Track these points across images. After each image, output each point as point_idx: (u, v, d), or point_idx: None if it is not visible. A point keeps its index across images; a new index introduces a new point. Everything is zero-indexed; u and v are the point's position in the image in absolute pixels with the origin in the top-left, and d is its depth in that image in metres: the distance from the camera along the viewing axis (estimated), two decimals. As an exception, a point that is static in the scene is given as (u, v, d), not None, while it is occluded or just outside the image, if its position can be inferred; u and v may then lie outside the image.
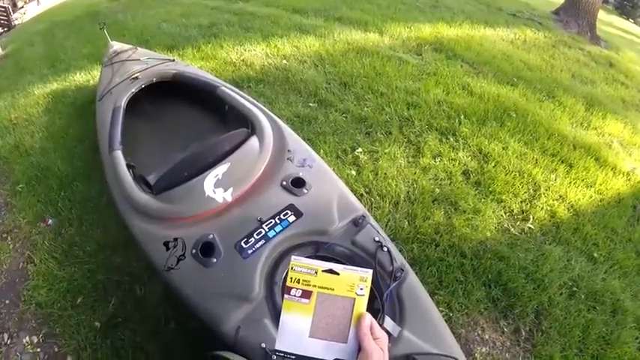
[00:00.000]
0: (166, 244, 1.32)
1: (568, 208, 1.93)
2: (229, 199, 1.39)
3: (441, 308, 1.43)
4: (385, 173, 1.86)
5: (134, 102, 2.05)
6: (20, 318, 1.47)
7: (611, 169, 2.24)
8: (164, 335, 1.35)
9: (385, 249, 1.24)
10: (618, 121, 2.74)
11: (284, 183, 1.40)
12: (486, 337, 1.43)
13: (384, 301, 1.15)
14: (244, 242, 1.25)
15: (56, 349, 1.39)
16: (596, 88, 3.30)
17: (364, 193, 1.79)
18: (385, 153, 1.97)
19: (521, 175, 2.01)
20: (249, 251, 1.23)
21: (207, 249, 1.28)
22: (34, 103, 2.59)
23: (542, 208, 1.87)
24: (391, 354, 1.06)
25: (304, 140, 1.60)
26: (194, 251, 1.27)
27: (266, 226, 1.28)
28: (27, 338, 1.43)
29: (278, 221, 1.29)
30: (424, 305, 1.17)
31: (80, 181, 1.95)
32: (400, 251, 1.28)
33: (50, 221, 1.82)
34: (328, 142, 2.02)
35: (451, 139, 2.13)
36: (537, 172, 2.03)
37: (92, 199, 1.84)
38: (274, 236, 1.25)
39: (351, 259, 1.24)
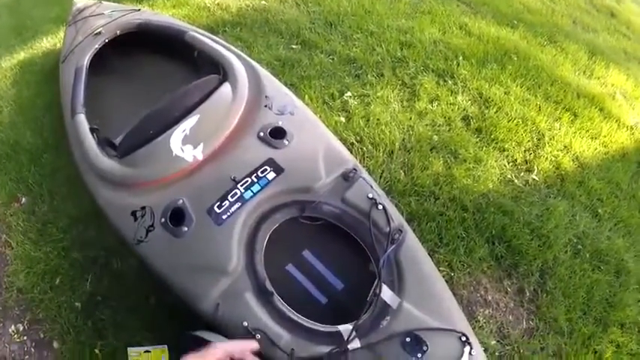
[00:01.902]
0: (134, 213, 1.05)
1: (573, 160, 1.67)
2: (200, 157, 1.09)
3: (441, 268, 1.22)
4: (378, 119, 1.55)
5: (99, 59, 1.66)
6: (4, 306, 1.26)
7: (615, 121, 1.96)
8: (144, 311, 1.15)
9: (380, 207, 0.98)
10: (621, 72, 2.39)
11: (261, 134, 1.09)
12: (489, 298, 1.24)
13: (380, 267, 0.91)
14: (217, 206, 0.98)
15: (42, 335, 1.19)
16: (598, 37, 2.89)
17: (355, 142, 1.49)
18: (377, 97, 1.63)
19: (525, 122, 1.72)
20: (224, 216, 0.96)
21: (177, 216, 1.01)
22: (2, 76, 2.20)
23: (546, 159, 1.62)
24: (389, 329, 0.84)
25: (286, 86, 1.26)
26: (163, 220, 1.00)
27: (241, 186, 1.00)
28: (13, 327, 1.22)
29: (255, 179, 1.00)
30: (426, 271, 0.93)
31: (49, 153, 1.63)
32: (397, 208, 1.01)
33: (24, 200, 1.54)
34: (314, 86, 1.66)
35: (449, 82, 1.79)
36: (541, 120, 1.74)
37: (62, 171, 1.54)
38: (251, 197, 0.98)
39: (341, 219, 0.98)
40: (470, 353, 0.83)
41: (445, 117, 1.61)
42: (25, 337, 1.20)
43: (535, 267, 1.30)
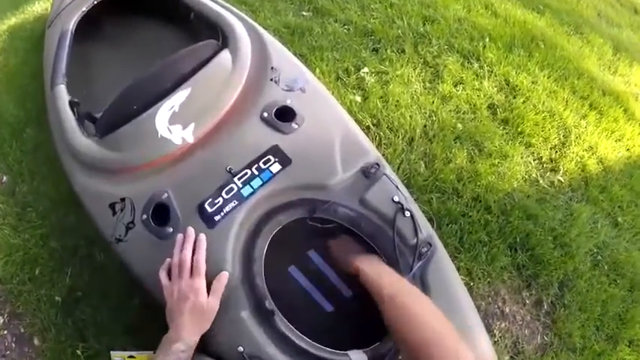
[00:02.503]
0: (112, 206, 0.81)
1: (597, 162, 1.45)
2: (190, 139, 0.83)
3: (461, 276, 1.01)
4: (397, 100, 1.27)
5: (88, 24, 1.36)
6: (-16, 298, 1.06)
7: (639, 124, 1.70)
8: (127, 313, 0.95)
9: (407, 214, 0.74)
10: None
11: (265, 115, 0.82)
12: (507, 310, 1.06)
13: None
14: (209, 204, 0.74)
15: (22, 330, 1.00)
16: (621, 32, 2.56)
17: (371, 126, 1.22)
18: (397, 75, 1.35)
19: (552, 116, 1.46)
20: (216, 217, 0.73)
21: (160, 213, 0.77)
22: (-12, 43, 1.89)
23: (572, 159, 1.39)
24: None
25: (295, 57, 0.99)
26: (144, 217, 0.77)
27: (239, 179, 0.75)
28: None
29: (256, 172, 0.75)
30: (456, 295, 0.72)
31: (31, 127, 1.35)
32: (426, 215, 0.79)
33: (4, 179, 1.31)
34: (326, 59, 1.36)
35: (475, 65, 1.49)
36: (568, 116, 1.49)
37: (43, 147, 1.27)
38: (251, 195, 0.73)
39: (358, 224, 0.74)
40: None
41: (470, 103, 1.33)
42: (5, 332, 1.01)
43: (555, 278, 1.11)
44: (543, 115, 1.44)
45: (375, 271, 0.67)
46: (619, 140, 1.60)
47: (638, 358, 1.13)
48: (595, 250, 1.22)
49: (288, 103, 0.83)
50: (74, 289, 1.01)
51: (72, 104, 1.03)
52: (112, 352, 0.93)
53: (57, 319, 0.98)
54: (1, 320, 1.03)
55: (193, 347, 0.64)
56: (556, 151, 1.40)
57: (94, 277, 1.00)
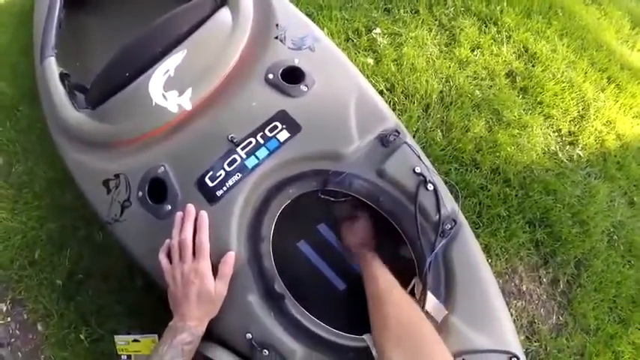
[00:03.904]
0: (106, 183, 0.69)
1: (616, 138, 1.33)
2: (188, 106, 0.70)
3: None
4: (412, 64, 1.12)
5: None
6: (-15, 285, 0.97)
7: None
8: (130, 295, 0.86)
9: (430, 187, 0.62)
10: None
11: (270, 76, 0.69)
12: (524, 288, 0.97)
13: (425, 269, 0.59)
14: (210, 177, 0.62)
15: (25, 317, 0.93)
16: (638, 6, 2.32)
17: (385, 90, 1.08)
18: (411, 37, 1.18)
19: (571, 87, 1.32)
20: (218, 192, 0.61)
21: (158, 189, 0.66)
22: (-23, 22, 1.70)
23: (591, 134, 1.26)
24: None
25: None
26: (140, 194, 0.66)
27: (242, 149, 0.63)
28: None
29: (262, 141, 0.63)
30: (481, 278, 0.61)
31: (25, 104, 1.21)
32: (452, 190, 0.68)
33: (0, 161, 1.19)
34: (335, 18, 1.19)
35: (492, 30, 1.32)
36: (587, 88, 1.35)
37: (36, 125, 1.15)
38: (256, 166, 0.62)
39: (375, 199, 0.63)
40: None
41: (488, 70, 1.18)
42: (9, 319, 0.94)
43: (572, 256, 1.02)
44: (563, 85, 1.29)
45: (373, 272, 0.60)
46: (637, 117, 1.46)
47: None
48: (611, 230, 1.13)
49: (296, 63, 0.69)
50: (75, 272, 0.92)
51: (62, 76, 0.89)
52: (115, 337, 0.86)
53: (59, 303, 0.90)
54: (4, 307, 0.95)
55: (200, 337, 0.56)
56: (575, 124, 1.26)
57: (94, 258, 0.91)
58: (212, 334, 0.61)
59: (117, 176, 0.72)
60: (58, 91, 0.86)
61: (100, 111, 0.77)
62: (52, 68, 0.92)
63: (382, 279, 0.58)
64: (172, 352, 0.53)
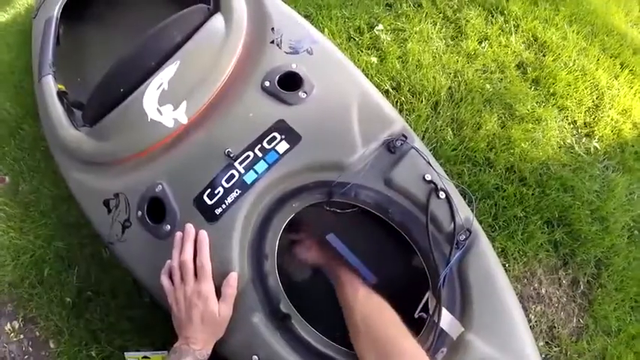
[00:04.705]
0: (106, 203, 0.67)
1: (632, 127, 1.23)
2: (183, 120, 0.65)
3: None
4: (418, 60, 1.05)
5: (75, 8, 1.16)
6: (-2, 302, 0.96)
7: None
8: (139, 312, 0.84)
9: (443, 195, 0.57)
10: None
11: (267, 84, 0.64)
12: (543, 291, 0.91)
13: (439, 284, 0.54)
14: (208, 195, 0.58)
15: (37, 334, 0.91)
16: None
17: (390, 90, 1.01)
18: (415, 32, 1.11)
19: (584, 75, 1.22)
20: (217, 210, 0.57)
21: (156, 209, 0.62)
22: (-20, 42, 1.69)
23: (607, 124, 1.17)
24: None
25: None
26: (139, 213, 0.62)
27: (240, 164, 0.58)
28: (9, 325, 0.94)
29: (260, 154, 0.58)
30: (499, 290, 0.56)
31: (28, 123, 1.19)
32: (465, 196, 0.62)
33: (7, 179, 1.18)
34: (335, 17, 1.13)
35: (499, 19, 1.23)
36: (600, 75, 1.25)
37: (40, 143, 1.13)
38: (255, 181, 0.57)
39: (383, 210, 0.58)
40: None
41: (498, 62, 1.10)
42: (21, 336, 0.93)
43: (592, 256, 0.95)
44: (575, 74, 1.20)
45: (352, 280, 0.58)
46: None
47: None
48: (632, 225, 1.04)
49: (294, 67, 0.64)
50: (83, 290, 0.90)
51: (60, 94, 0.86)
52: (126, 354, 0.83)
53: (69, 321, 0.88)
54: (17, 325, 0.94)
55: None
56: (590, 115, 1.17)
57: (102, 275, 0.89)
58: (218, 356, 0.57)
59: (116, 196, 0.69)
60: (56, 109, 0.83)
61: (97, 129, 0.74)
62: (50, 86, 0.89)
63: (347, 285, 0.57)
64: None
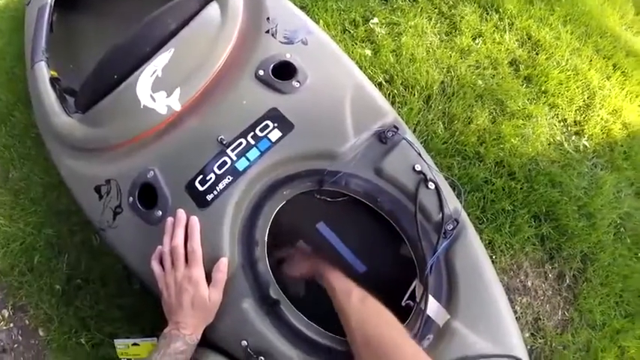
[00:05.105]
0: (98, 189, 0.66)
1: (622, 128, 1.25)
2: (177, 107, 0.65)
3: None
4: (412, 54, 1.06)
5: None
6: (-14, 291, 0.95)
7: None
8: (128, 299, 0.83)
9: (432, 185, 0.58)
10: None
11: (261, 73, 0.64)
12: (529, 284, 0.92)
13: (426, 272, 0.55)
14: (200, 181, 0.58)
15: (27, 322, 0.91)
16: None
17: (383, 82, 1.02)
18: (410, 26, 1.12)
19: (577, 75, 1.24)
20: (209, 196, 0.57)
21: (148, 194, 0.62)
22: (-29, 29, 1.65)
23: (597, 123, 1.19)
24: (434, 355, 0.51)
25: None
26: (131, 199, 0.62)
27: (233, 151, 0.58)
28: None
29: (252, 141, 0.58)
30: (485, 280, 0.57)
31: (20, 109, 1.17)
32: (454, 187, 0.63)
33: None
34: (330, 9, 1.12)
35: (494, 17, 1.24)
36: (592, 75, 1.27)
37: (32, 131, 1.10)
38: (247, 168, 0.57)
39: (373, 198, 0.59)
40: None
41: (491, 58, 1.11)
42: (11, 324, 0.92)
43: (579, 250, 0.97)
44: (567, 73, 1.21)
45: (344, 285, 0.56)
46: None
47: None
48: (618, 222, 1.07)
49: (288, 57, 0.65)
50: (73, 277, 0.89)
51: (53, 81, 0.86)
52: (115, 341, 0.83)
53: (59, 309, 0.88)
54: (6, 313, 0.93)
55: (195, 345, 0.53)
56: (581, 113, 1.19)
57: (92, 262, 0.88)
58: (208, 341, 0.58)
59: (108, 182, 0.68)
60: (49, 96, 0.83)
61: (90, 115, 0.73)
62: (43, 73, 0.88)
63: (339, 290, 0.55)
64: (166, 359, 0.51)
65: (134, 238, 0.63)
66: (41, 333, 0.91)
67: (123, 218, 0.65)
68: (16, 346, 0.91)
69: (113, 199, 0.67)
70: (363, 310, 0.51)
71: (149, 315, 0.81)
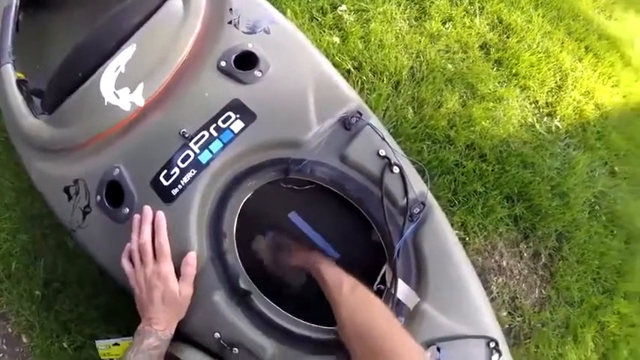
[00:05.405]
0: (67, 190, 0.65)
1: (594, 108, 1.28)
2: (140, 102, 0.64)
3: (455, 232, 0.89)
4: (380, 40, 1.06)
5: None
6: (-33, 300, 0.93)
7: (635, 71, 1.51)
8: (105, 299, 0.83)
9: (396, 169, 0.58)
10: (639, 18, 1.81)
11: (222, 64, 0.62)
12: (504, 263, 0.94)
13: (395, 257, 0.55)
14: (164, 176, 0.57)
15: (10, 330, 0.89)
16: None
17: (352, 69, 1.02)
18: (379, 12, 1.11)
19: (548, 57, 1.27)
20: (174, 191, 0.56)
21: (115, 192, 0.61)
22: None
23: (569, 104, 1.21)
24: None
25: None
26: (99, 198, 0.61)
27: (195, 144, 0.57)
28: None
29: (215, 133, 0.58)
30: (454, 260, 0.58)
31: None
32: (422, 171, 0.63)
33: None
34: None
35: (465, 1, 1.24)
36: (564, 58, 1.29)
37: (2, 133, 1.04)
38: (211, 160, 0.57)
39: (339, 185, 0.58)
40: None
41: (461, 43, 1.12)
42: None
43: (553, 229, 0.99)
44: (539, 56, 1.23)
45: (334, 277, 0.55)
46: (615, 86, 1.41)
47: (634, 311, 1.04)
48: (592, 200, 1.09)
49: (250, 47, 0.63)
50: (51, 281, 0.88)
51: (19, 83, 0.83)
52: (96, 342, 0.82)
53: (39, 314, 0.87)
54: (-12, 323, 0.92)
55: (168, 340, 0.53)
56: (552, 95, 1.21)
57: (68, 265, 0.87)
58: (182, 336, 0.58)
59: (76, 182, 0.67)
60: (16, 98, 0.79)
61: (56, 115, 0.71)
62: (9, 75, 0.84)
63: (330, 280, 0.55)
64: (140, 357, 0.51)
65: (104, 237, 0.62)
66: (25, 340, 0.90)
67: (92, 218, 0.64)
68: (1, 355, 0.90)
69: (82, 199, 0.65)
70: (353, 299, 0.51)
71: (126, 314, 0.80)
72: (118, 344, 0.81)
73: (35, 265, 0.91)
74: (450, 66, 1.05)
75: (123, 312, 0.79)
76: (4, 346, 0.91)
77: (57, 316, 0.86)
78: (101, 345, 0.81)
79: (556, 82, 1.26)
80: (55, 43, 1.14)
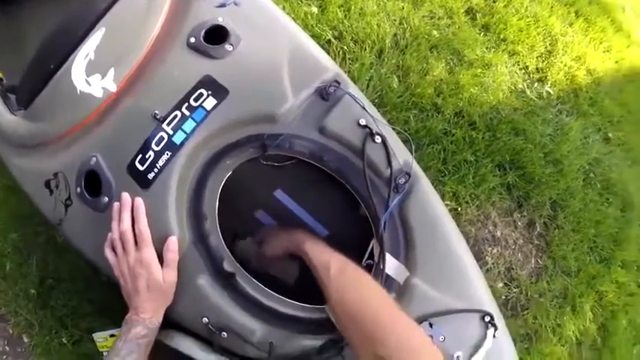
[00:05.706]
0: (47, 184, 0.63)
1: (586, 74, 1.23)
2: (113, 88, 0.60)
3: (446, 202, 0.86)
4: (361, 8, 1.00)
5: None
6: (-34, 304, 0.92)
7: (627, 36, 1.46)
8: (98, 292, 0.82)
9: (379, 139, 0.55)
10: None
11: (192, 40, 0.59)
12: (498, 234, 0.92)
13: (381, 229, 0.53)
14: (140, 161, 0.55)
15: (10, 331, 0.89)
16: None
17: (332, 39, 0.97)
18: None
19: (537, 22, 1.21)
20: (150, 175, 0.54)
21: (93, 182, 0.59)
22: None
23: (560, 70, 1.17)
24: None
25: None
26: (79, 189, 0.58)
27: (168, 125, 0.55)
28: None
29: (187, 112, 0.55)
30: (443, 232, 0.56)
31: None
32: (402, 137, 0.60)
33: None
34: None
35: (448, -33, 1.21)
36: (554, 23, 1.24)
37: None
38: (185, 140, 0.54)
39: (319, 158, 0.56)
40: (494, 336, 0.53)
41: (446, 8, 1.07)
42: None
43: (547, 197, 0.96)
44: (527, 20, 1.18)
45: (322, 258, 0.53)
46: (607, 51, 1.37)
47: (632, 279, 1.03)
48: (587, 167, 1.07)
49: (220, 21, 0.59)
50: (45, 278, 0.87)
51: (-5, 81, 0.81)
52: (94, 335, 0.82)
53: (37, 312, 0.86)
54: (-11, 326, 0.92)
55: (156, 328, 0.52)
56: (543, 60, 1.17)
57: (59, 260, 0.86)
58: (170, 323, 0.57)
59: (55, 175, 0.65)
60: None
61: (32, 110, 0.69)
62: None
63: (317, 261, 0.53)
64: (128, 346, 0.50)
65: (87, 228, 0.60)
66: (25, 339, 0.90)
67: (74, 210, 0.62)
68: (5, 357, 0.90)
69: (63, 192, 0.63)
70: (342, 280, 0.49)
71: (118, 305, 0.79)
72: (115, 335, 0.81)
73: (28, 264, 0.90)
74: (435, 32, 1.00)
75: (117, 304, 0.76)
76: (7, 347, 0.91)
77: (53, 313, 0.86)
78: (99, 337, 0.81)
79: (546, 47, 1.21)
80: (30, 39, 1.11)
